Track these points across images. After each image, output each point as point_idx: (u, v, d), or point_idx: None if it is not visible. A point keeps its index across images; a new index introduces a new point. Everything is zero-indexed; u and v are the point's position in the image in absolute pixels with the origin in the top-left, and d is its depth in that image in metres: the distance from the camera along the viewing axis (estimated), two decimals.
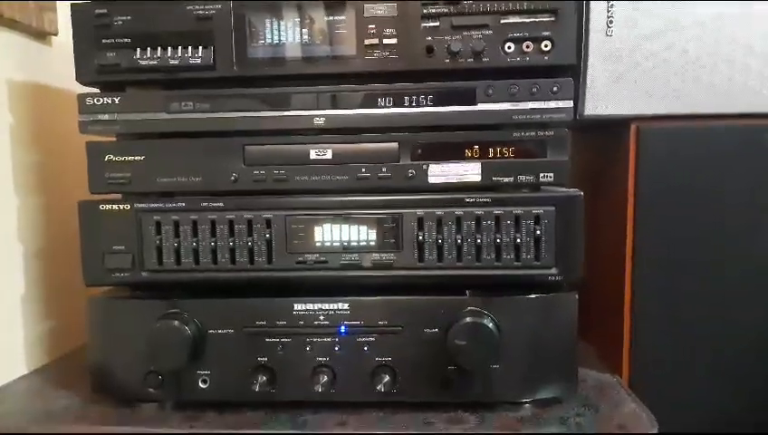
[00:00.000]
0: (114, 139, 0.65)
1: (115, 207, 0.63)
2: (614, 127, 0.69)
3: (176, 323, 0.60)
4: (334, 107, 0.61)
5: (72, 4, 0.61)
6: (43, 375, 0.74)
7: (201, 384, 0.62)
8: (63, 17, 0.80)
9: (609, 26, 0.64)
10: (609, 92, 0.65)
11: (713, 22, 0.63)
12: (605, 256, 0.74)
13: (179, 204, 0.62)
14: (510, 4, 0.59)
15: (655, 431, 0.58)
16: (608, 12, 0.64)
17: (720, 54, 0.64)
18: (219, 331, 0.61)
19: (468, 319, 0.58)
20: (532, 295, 0.60)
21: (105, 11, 0.61)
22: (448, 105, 0.60)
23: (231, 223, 0.62)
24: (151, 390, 0.62)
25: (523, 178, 0.60)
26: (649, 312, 0.68)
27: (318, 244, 0.62)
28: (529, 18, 0.59)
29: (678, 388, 0.69)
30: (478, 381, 0.60)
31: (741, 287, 0.67)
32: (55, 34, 0.80)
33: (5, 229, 0.74)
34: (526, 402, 0.62)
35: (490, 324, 0.58)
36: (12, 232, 0.75)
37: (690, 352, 0.69)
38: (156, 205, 0.62)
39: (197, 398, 0.62)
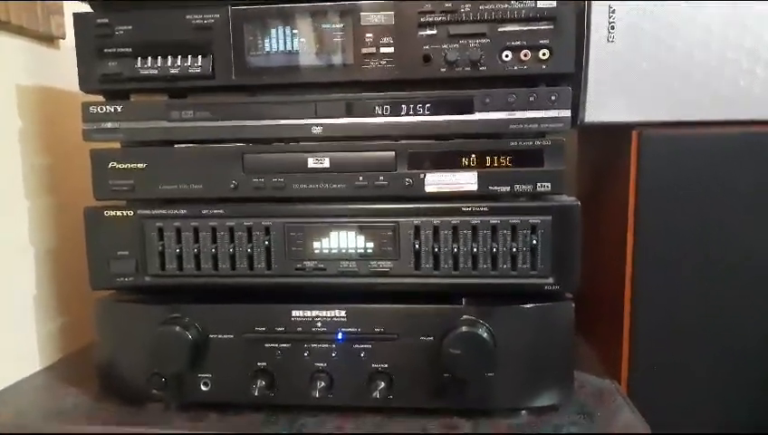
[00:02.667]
0: (118, 146, 0.66)
1: (119, 213, 0.64)
2: (615, 133, 0.68)
3: (177, 328, 0.61)
4: (332, 116, 0.61)
5: (74, 14, 0.62)
6: (55, 373, 0.76)
7: (203, 387, 0.63)
8: (71, 20, 0.80)
9: (610, 32, 0.63)
10: (610, 99, 0.65)
11: (718, 27, 0.62)
12: (607, 259, 0.74)
13: (181, 211, 0.63)
14: (508, 12, 0.58)
15: None
16: (609, 17, 0.63)
17: (725, 61, 0.63)
18: (220, 335, 0.63)
19: (463, 328, 0.59)
20: (529, 305, 0.60)
21: (107, 21, 0.62)
22: (445, 114, 0.60)
23: (231, 230, 0.63)
24: (155, 391, 0.64)
25: (519, 187, 0.60)
26: (649, 318, 0.68)
27: (316, 251, 0.62)
28: (527, 26, 0.58)
29: (678, 392, 0.69)
30: (474, 388, 0.60)
31: (742, 294, 0.67)
32: (63, 38, 0.81)
33: (17, 231, 0.76)
34: (522, 410, 0.62)
35: (485, 334, 0.58)
36: (23, 233, 0.77)
37: (690, 357, 0.68)
38: (158, 211, 0.64)
39: (199, 400, 0.64)
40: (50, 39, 0.80)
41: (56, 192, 0.82)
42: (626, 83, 0.64)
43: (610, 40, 0.63)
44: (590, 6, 0.63)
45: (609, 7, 0.62)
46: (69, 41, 0.82)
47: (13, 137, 0.75)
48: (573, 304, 0.61)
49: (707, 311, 0.67)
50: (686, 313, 0.67)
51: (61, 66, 0.82)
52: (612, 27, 0.63)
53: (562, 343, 0.61)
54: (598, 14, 0.63)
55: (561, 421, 0.61)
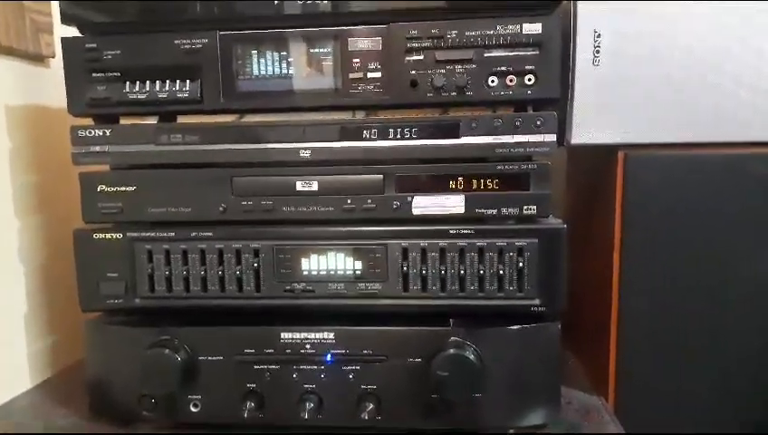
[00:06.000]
0: (107, 168, 0.66)
1: (108, 235, 0.64)
2: (602, 154, 0.69)
3: (166, 350, 0.62)
4: (319, 139, 0.62)
5: (62, 38, 0.63)
6: (46, 390, 0.77)
7: (192, 408, 0.64)
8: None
9: (595, 55, 0.64)
10: (595, 121, 0.65)
11: (701, 51, 0.63)
12: (594, 276, 0.75)
13: (170, 233, 0.64)
14: (494, 38, 0.59)
15: None
16: (594, 41, 0.63)
17: (708, 84, 0.63)
18: (209, 357, 0.63)
19: (451, 350, 0.59)
20: (515, 326, 0.61)
21: (95, 45, 0.62)
22: (432, 138, 0.61)
23: (220, 252, 0.63)
24: (145, 412, 0.64)
25: (506, 210, 0.61)
26: (635, 335, 0.69)
27: (305, 273, 0.63)
28: (513, 52, 0.59)
29: (665, 408, 0.70)
30: (462, 408, 0.61)
31: (727, 312, 0.67)
32: (52, 57, 0.81)
33: (7, 249, 0.76)
34: (510, 429, 0.63)
35: (472, 356, 0.59)
36: (13, 251, 0.77)
37: (677, 374, 0.69)
38: (147, 234, 0.64)
39: (189, 420, 0.64)
40: (39, 58, 0.80)
41: (46, 210, 0.82)
42: (611, 106, 0.65)
43: (596, 63, 0.64)
44: (575, 30, 0.63)
45: (595, 32, 0.63)
46: (59, 59, 0.82)
47: (2, 156, 0.75)
48: (559, 326, 0.61)
49: (693, 328, 0.68)
50: (671, 330, 0.68)
51: (50, 84, 0.82)
52: (597, 51, 0.63)
53: (549, 363, 0.62)
54: (583, 38, 0.64)
55: None
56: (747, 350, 0.68)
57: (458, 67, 0.59)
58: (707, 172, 0.65)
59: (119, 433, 0.65)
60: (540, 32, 0.58)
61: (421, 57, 0.60)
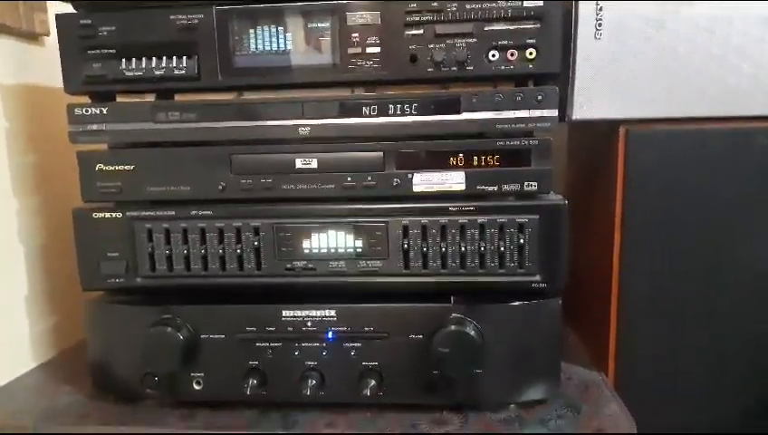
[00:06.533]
0: (106, 147, 0.66)
1: (108, 214, 0.64)
2: (603, 129, 0.68)
3: (169, 329, 0.62)
4: (319, 116, 0.61)
5: (56, 15, 0.62)
6: (49, 370, 0.77)
7: (195, 386, 0.64)
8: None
9: (597, 29, 0.63)
10: (597, 95, 0.64)
11: (705, 24, 0.62)
12: (595, 252, 0.75)
13: (169, 212, 0.63)
14: (494, 11, 0.58)
15: (634, 432, 0.60)
16: (596, 14, 0.62)
17: (712, 57, 0.63)
18: (211, 336, 0.63)
19: (452, 327, 0.59)
20: (516, 302, 0.61)
21: (89, 22, 0.61)
22: (433, 114, 0.60)
23: (221, 231, 0.63)
24: (149, 390, 0.65)
25: (507, 186, 0.61)
26: (636, 311, 0.69)
27: (306, 251, 0.63)
28: (513, 25, 0.58)
29: (665, 384, 0.70)
30: (463, 384, 0.61)
31: (728, 288, 0.67)
32: (47, 35, 0.80)
33: (6, 230, 0.76)
34: (510, 404, 0.63)
35: (472, 332, 0.59)
36: (12, 232, 0.77)
37: (677, 349, 0.69)
38: (147, 213, 0.64)
39: (192, 398, 0.65)
40: (34, 36, 0.79)
41: (44, 189, 0.82)
42: (613, 80, 0.64)
43: (598, 37, 0.63)
44: (577, 3, 0.62)
45: (597, 4, 0.62)
46: (53, 38, 0.81)
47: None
48: (560, 302, 0.61)
49: (694, 304, 0.68)
50: (672, 307, 0.68)
51: (46, 63, 0.81)
52: (600, 24, 0.62)
53: (550, 339, 0.62)
54: (585, 11, 0.63)
55: (548, 415, 0.62)
56: (745, 328, 0.68)
57: (458, 41, 0.58)
58: (709, 146, 0.65)
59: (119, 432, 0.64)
60: (541, 5, 0.58)
61: (421, 31, 0.59)
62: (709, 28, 0.62)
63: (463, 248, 0.61)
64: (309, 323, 0.62)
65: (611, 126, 0.66)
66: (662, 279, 0.68)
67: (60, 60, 0.62)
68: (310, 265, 0.63)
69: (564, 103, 0.65)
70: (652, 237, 0.67)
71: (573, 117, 0.65)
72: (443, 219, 0.61)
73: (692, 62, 0.63)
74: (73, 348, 0.83)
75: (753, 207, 0.65)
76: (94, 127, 0.63)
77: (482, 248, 0.61)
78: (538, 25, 0.58)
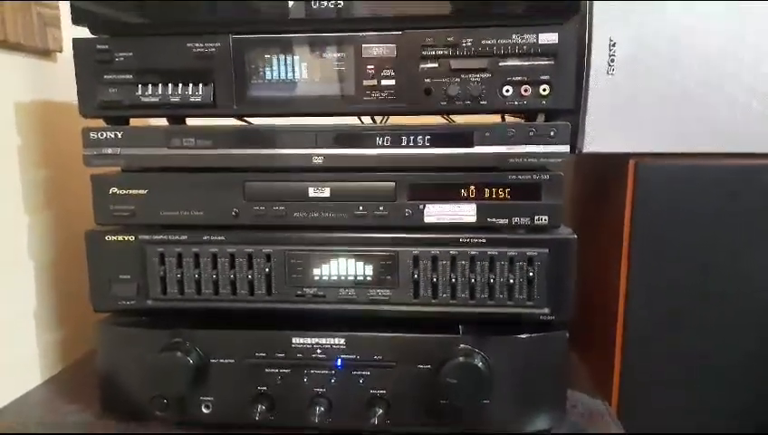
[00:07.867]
0: (119, 169, 0.66)
1: (120, 237, 0.65)
2: (612, 162, 0.69)
3: (179, 353, 0.62)
4: (332, 146, 0.61)
5: (73, 40, 0.62)
6: (56, 386, 0.77)
7: (204, 409, 0.65)
8: (67, 32, 0.80)
9: (610, 64, 0.63)
10: (608, 129, 0.65)
11: (716, 61, 0.63)
12: (602, 283, 0.75)
13: (182, 237, 0.64)
14: (509, 47, 0.58)
15: None
16: (609, 50, 0.63)
17: (722, 94, 0.63)
18: (221, 360, 0.64)
19: (460, 358, 0.60)
20: (524, 335, 0.62)
21: (106, 47, 0.61)
22: (445, 147, 0.61)
23: (232, 256, 0.63)
24: (157, 412, 0.65)
25: (517, 220, 0.61)
26: (641, 342, 0.70)
27: (316, 278, 0.63)
28: (528, 61, 0.59)
29: (669, 414, 0.71)
30: (469, 414, 0.62)
31: (734, 320, 0.68)
32: (60, 51, 0.81)
33: (17, 245, 0.76)
34: (516, 433, 0.64)
35: (480, 364, 0.60)
36: (23, 247, 0.77)
37: (681, 381, 0.70)
38: (159, 237, 0.64)
39: (200, 421, 0.65)
40: (47, 53, 0.80)
41: (55, 205, 0.82)
42: (624, 114, 0.65)
43: (610, 73, 0.63)
44: (590, 39, 0.63)
45: (610, 40, 0.63)
46: (66, 53, 0.81)
47: (12, 152, 0.74)
48: (567, 334, 0.62)
49: (699, 335, 0.69)
50: (678, 339, 0.69)
51: (59, 79, 0.81)
52: (612, 60, 0.63)
53: (556, 371, 0.62)
54: (598, 46, 0.63)
55: None
56: (753, 361, 0.69)
57: (473, 76, 0.59)
58: (718, 182, 0.65)
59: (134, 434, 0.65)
60: (556, 42, 0.58)
61: (435, 65, 0.59)
62: (720, 66, 0.63)
63: (472, 279, 0.62)
64: (318, 351, 0.63)
65: (621, 158, 0.67)
66: (667, 311, 0.68)
67: (76, 83, 0.62)
68: (320, 293, 0.64)
69: (575, 135, 0.66)
70: (658, 269, 0.68)
71: (584, 150, 0.66)
72: (453, 250, 0.61)
73: (702, 98, 0.64)
74: (80, 362, 0.84)
75: (759, 243, 0.66)
76: (109, 150, 0.63)
77: (491, 280, 0.61)
78: (552, 62, 0.58)
